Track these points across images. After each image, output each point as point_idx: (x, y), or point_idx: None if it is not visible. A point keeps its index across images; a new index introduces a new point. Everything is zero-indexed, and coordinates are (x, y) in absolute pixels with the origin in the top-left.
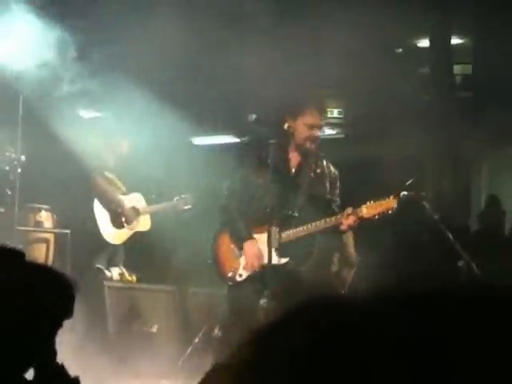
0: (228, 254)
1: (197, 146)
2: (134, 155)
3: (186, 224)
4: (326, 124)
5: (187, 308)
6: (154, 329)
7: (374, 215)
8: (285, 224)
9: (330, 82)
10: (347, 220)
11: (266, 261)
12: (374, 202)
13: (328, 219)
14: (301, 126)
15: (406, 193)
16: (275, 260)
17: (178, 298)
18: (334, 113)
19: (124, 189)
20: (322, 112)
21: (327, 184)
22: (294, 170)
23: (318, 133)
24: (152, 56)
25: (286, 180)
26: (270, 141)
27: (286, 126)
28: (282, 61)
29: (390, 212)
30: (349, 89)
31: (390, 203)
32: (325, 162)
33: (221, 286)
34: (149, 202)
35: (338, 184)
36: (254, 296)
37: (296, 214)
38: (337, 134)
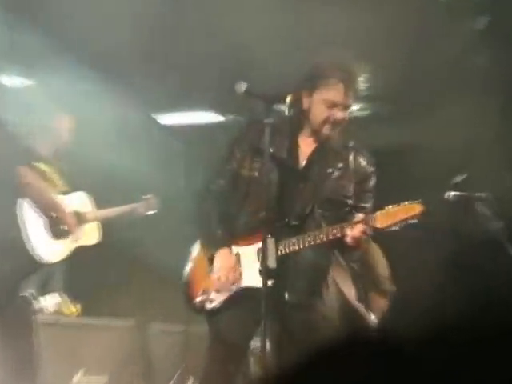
0: (200, 270)
1: (167, 126)
2: (78, 139)
3: (150, 235)
4: None
5: (150, 351)
6: (104, 380)
7: (390, 225)
8: (279, 234)
9: (350, 39)
10: (353, 230)
11: (246, 281)
12: (395, 206)
13: (326, 229)
14: (318, 104)
15: (453, 193)
16: (253, 281)
17: (138, 337)
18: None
19: (64, 186)
20: (351, 85)
21: (352, 185)
22: (303, 163)
23: (344, 114)
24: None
25: (292, 175)
26: (266, 120)
27: (296, 102)
28: (288, 11)
29: (413, 221)
30: (377, 48)
31: (412, 209)
32: (353, 154)
33: (199, 320)
34: (98, 204)
35: (372, 185)
36: (240, 333)
37: (295, 223)
38: (360, 110)
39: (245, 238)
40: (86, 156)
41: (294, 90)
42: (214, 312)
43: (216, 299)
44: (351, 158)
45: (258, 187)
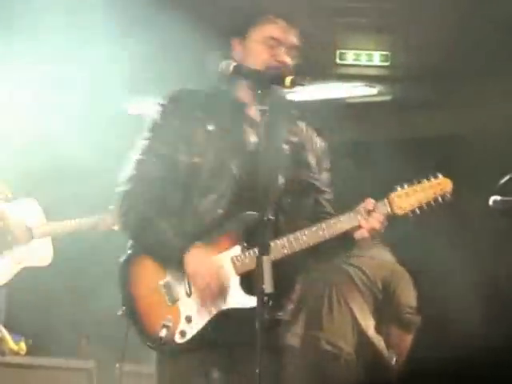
0: (154, 296)
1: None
2: (22, 127)
3: (113, 255)
4: (361, 77)
5: None
6: None
7: (413, 209)
8: (252, 236)
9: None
10: (370, 221)
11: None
12: (411, 185)
13: (328, 223)
14: (255, 45)
15: (499, 198)
16: (236, 300)
17: (99, 380)
18: (375, 58)
19: (7, 191)
20: (293, 20)
21: (312, 162)
22: (251, 140)
23: (289, 58)
24: None
25: (243, 157)
26: (261, 107)
27: (232, 56)
28: None
29: (445, 197)
30: (399, 16)
31: (440, 185)
32: (304, 125)
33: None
34: (51, 215)
35: (328, 165)
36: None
37: (270, 217)
38: (379, 94)
39: (209, 243)
40: (35, 152)
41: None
42: (183, 346)
43: (189, 329)
44: (304, 129)
45: (206, 176)
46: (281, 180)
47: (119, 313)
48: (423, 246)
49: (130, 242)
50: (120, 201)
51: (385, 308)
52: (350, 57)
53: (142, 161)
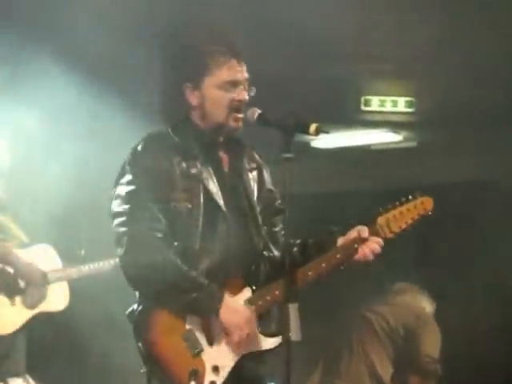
0: (176, 350)
1: None
2: (29, 171)
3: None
4: (386, 124)
5: None
6: None
7: (402, 230)
8: (249, 275)
9: (385, 48)
10: (370, 245)
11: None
12: (396, 207)
13: (328, 255)
14: (213, 91)
15: None
16: (258, 343)
17: None
18: (400, 104)
19: (22, 237)
20: (241, 56)
21: (272, 188)
22: (226, 170)
23: (246, 93)
24: None
25: (227, 194)
26: (285, 155)
27: (188, 100)
28: None
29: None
30: (424, 62)
31: (423, 204)
32: (255, 152)
33: None
34: (68, 259)
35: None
36: None
37: (271, 254)
38: (404, 140)
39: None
40: (50, 197)
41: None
42: None
43: (218, 379)
44: (256, 155)
45: (201, 219)
46: (258, 209)
47: (142, 370)
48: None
49: (140, 297)
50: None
51: (405, 355)
52: (375, 103)
53: (142, 216)
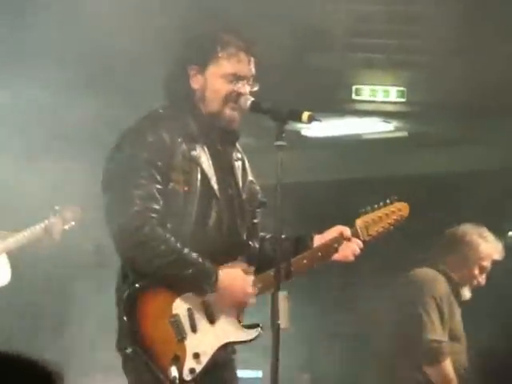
0: (162, 333)
1: None
2: None
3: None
4: (377, 113)
5: None
6: None
7: (379, 234)
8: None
9: (376, 38)
10: (351, 246)
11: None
12: (374, 210)
13: (309, 253)
14: (216, 79)
15: None
16: (237, 334)
17: None
18: (391, 94)
19: None
20: (252, 54)
21: (253, 179)
22: (221, 157)
23: (248, 87)
24: None
25: (222, 180)
26: (277, 143)
27: (181, 82)
28: None
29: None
30: (416, 52)
31: (402, 209)
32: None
33: None
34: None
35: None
36: None
37: (256, 245)
38: (395, 130)
39: None
40: None
41: (184, 68)
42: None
43: (197, 366)
44: (238, 146)
45: (197, 202)
46: (244, 197)
47: (128, 351)
48: None
49: (133, 276)
50: (133, 239)
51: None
52: (367, 92)
53: (142, 195)
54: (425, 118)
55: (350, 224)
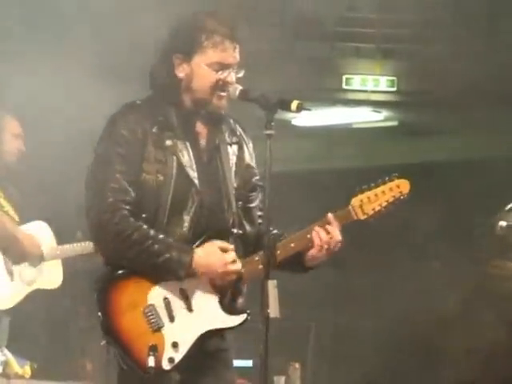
0: (136, 323)
1: None
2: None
3: None
4: (368, 103)
5: None
6: None
7: (377, 213)
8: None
9: (367, 28)
10: (333, 232)
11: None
12: (371, 188)
13: (298, 235)
14: (202, 68)
15: (505, 223)
16: (220, 320)
17: None
18: (381, 83)
19: (14, 214)
20: (238, 41)
21: (251, 163)
22: (205, 149)
23: (234, 76)
24: None
25: (200, 169)
26: (267, 132)
27: (165, 71)
28: None
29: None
30: (406, 42)
31: (399, 186)
32: (238, 126)
33: None
34: (61, 237)
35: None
36: None
37: (238, 231)
38: (385, 119)
39: None
40: (43, 176)
41: (170, 57)
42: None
43: (177, 355)
44: (239, 129)
45: (173, 192)
46: (234, 185)
47: (102, 343)
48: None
49: (108, 267)
50: (103, 227)
51: None
52: (357, 82)
53: (114, 187)
54: (415, 107)
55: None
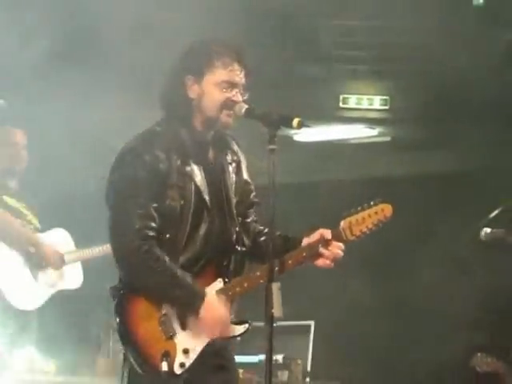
0: (151, 332)
1: None
2: (44, 159)
3: None
4: (363, 120)
5: None
6: None
7: (363, 233)
8: (221, 267)
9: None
10: (333, 249)
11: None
12: (359, 211)
13: (290, 255)
14: (213, 88)
15: (489, 230)
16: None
17: None
18: (375, 102)
19: (37, 222)
20: (244, 63)
21: (249, 180)
22: (212, 166)
23: (241, 96)
24: None
25: (212, 188)
26: (270, 146)
27: (176, 92)
28: None
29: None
30: (398, 63)
31: (385, 210)
32: (235, 143)
33: None
34: (79, 242)
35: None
36: None
37: (242, 248)
38: (379, 135)
39: (197, 278)
40: (57, 185)
41: (181, 78)
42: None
43: (187, 360)
44: (235, 146)
45: (191, 215)
46: (234, 202)
47: (121, 348)
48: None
49: (124, 281)
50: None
51: None
52: (353, 101)
53: (142, 214)
54: (406, 124)
55: (336, 224)
